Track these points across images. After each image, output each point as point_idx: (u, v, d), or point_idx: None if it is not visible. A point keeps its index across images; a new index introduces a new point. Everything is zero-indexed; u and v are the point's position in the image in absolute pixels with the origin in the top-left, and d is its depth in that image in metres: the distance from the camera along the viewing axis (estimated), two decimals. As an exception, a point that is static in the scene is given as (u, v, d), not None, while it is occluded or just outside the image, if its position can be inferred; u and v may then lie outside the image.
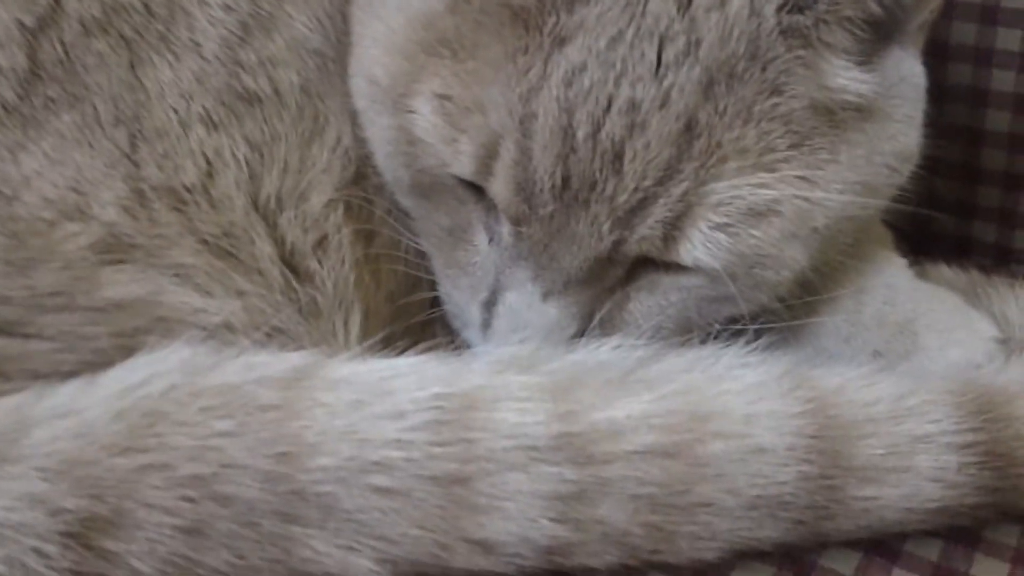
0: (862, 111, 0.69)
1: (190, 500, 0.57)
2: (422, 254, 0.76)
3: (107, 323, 0.64)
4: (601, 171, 0.65)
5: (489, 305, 0.71)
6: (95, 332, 0.63)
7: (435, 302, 0.76)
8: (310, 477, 0.58)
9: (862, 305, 0.79)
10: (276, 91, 0.71)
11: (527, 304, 0.69)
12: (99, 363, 0.62)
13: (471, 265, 0.72)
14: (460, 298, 0.73)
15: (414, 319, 0.75)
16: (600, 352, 0.66)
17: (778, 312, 0.73)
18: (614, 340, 0.67)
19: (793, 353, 0.69)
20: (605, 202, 0.66)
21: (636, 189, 0.66)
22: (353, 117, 0.73)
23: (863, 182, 0.70)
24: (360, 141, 0.73)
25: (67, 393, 0.60)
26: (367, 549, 0.59)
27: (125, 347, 0.63)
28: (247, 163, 0.69)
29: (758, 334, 0.70)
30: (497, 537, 0.60)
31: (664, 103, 0.65)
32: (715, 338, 0.70)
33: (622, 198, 0.66)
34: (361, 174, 0.74)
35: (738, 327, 0.71)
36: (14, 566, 0.56)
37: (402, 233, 0.75)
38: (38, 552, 0.56)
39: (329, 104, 0.73)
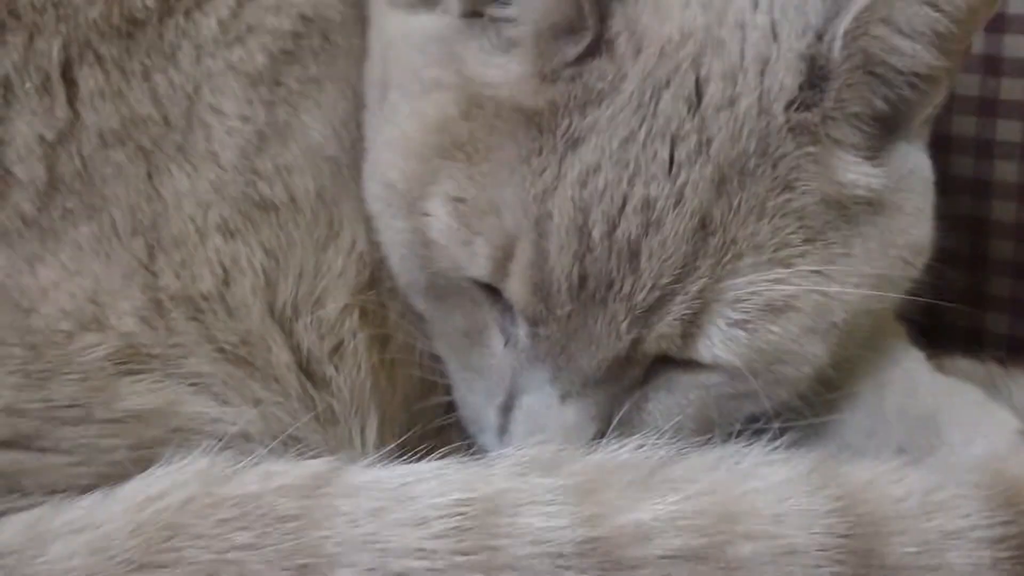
0: (873, 205, 0.70)
1: None
2: (437, 358, 0.75)
3: (125, 435, 0.63)
4: (618, 270, 0.65)
5: (506, 409, 0.70)
6: (112, 444, 0.63)
7: (451, 406, 0.76)
8: None
9: (883, 400, 0.78)
10: (292, 198, 0.71)
11: (545, 406, 0.68)
12: (116, 475, 0.61)
13: (487, 368, 0.72)
14: (476, 402, 0.73)
15: (430, 424, 0.74)
16: (622, 452, 0.65)
17: (799, 409, 0.72)
18: (636, 440, 0.66)
19: (818, 449, 0.68)
20: (623, 301, 0.66)
21: (653, 287, 0.66)
22: (367, 221, 0.74)
23: (878, 275, 0.70)
24: (374, 245, 0.74)
25: (84, 507, 0.59)
26: None
27: (142, 459, 0.62)
28: (263, 270, 0.69)
29: (781, 431, 0.69)
30: None
31: (678, 201, 0.65)
32: (737, 436, 0.69)
33: (640, 296, 0.66)
34: (375, 278, 0.74)
35: (760, 425, 0.71)
36: None
37: (417, 337, 0.75)
38: None
39: (344, 209, 0.73)
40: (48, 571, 0.56)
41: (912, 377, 0.80)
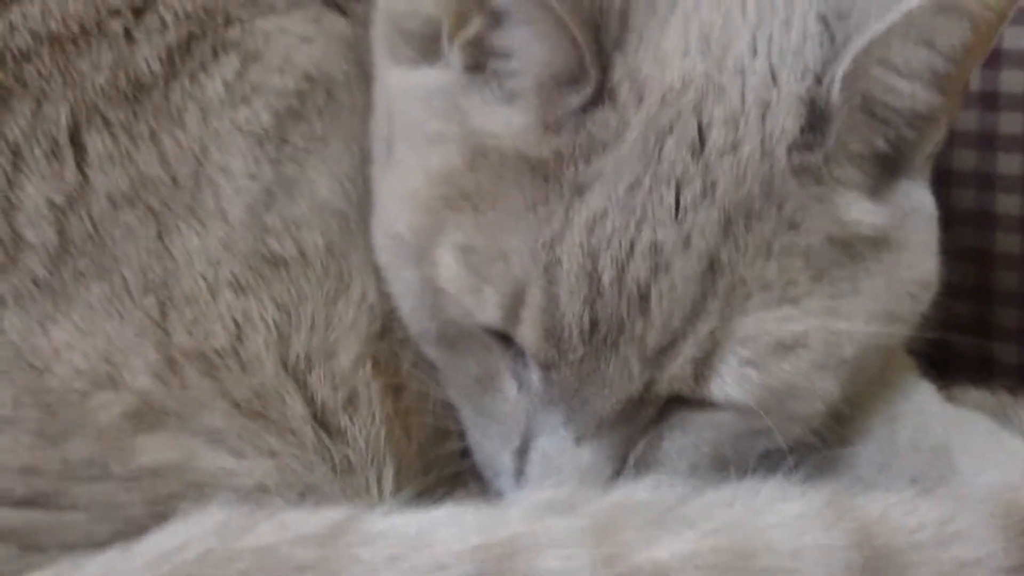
0: (878, 242, 0.70)
1: None
2: (450, 405, 0.76)
3: (141, 490, 0.63)
4: (628, 313, 0.66)
5: (521, 452, 0.71)
6: (129, 500, 0.63)
7: (466, 452, 0.76)
8: None
9: (895, 433, 0.78)
10: (301, 253, 0.72)
11: (560, 449, 0.69)
12: (133, 531, 0.61)
13: (501, 413, 0.72)
14: (490, 447, 0.73)
15: (446, 470, 0.74)
16: (638, 492, 0.65)
17: (812, 444, 0.72)
18: (651, 479, 0.66)
19: (833, 483, 0.68)
20: (634, 344, 0.66)
21: (664, 329, 0.66)
22: (376, 273, 0.74)
23: (886, 311, 0.70)
24: (384, 296, 0.74)
25: (103, 563, 0.59)
26: None
27: (159, 514, 0.63)
28: (275, 325, 0.70)
29: (795, 466, 0.69)
30: None
31: (686, 244, 0.66)
32: (752, 472, 0.68)
33: (651, 339, 0.66)
34: (386, 328, 0.74)
35: (774, 460, 0.70)
36: None
37: (430, 385, 0.75)
38: None
39: (352, 261, 0.74)
40: (70, 628, 0.56)
41: (923, 409, 0.80)
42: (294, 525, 0.60)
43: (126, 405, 0.65)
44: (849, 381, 0.71)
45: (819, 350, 0.68)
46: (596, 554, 0.60)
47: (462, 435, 0.76)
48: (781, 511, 0.64)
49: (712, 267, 0.66)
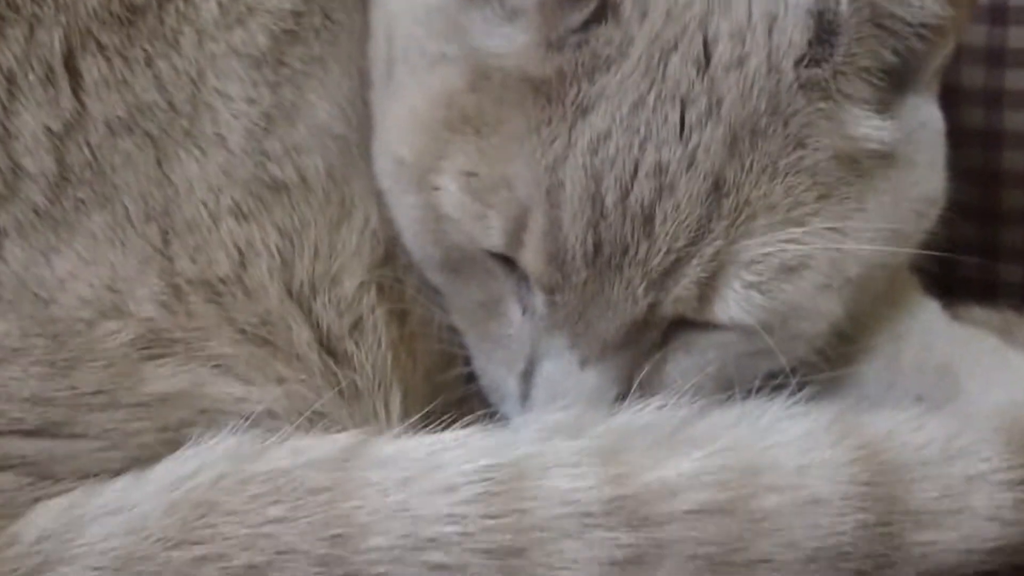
0: (886, 159, 0.70)
1: None
2: (454, 330, 0.76)
3: (152, 418, 0.63)
4: (633, 235, 0.66)
5: (526, 376, 0.71)
6: (140, 428, 0.63)
7: (471, 377, 0.76)
8: (365, 558, 0.57)
9: (900, 352, 0.78)
10: (303, 178, 0.71)
11: (565, 372, 0.69)
12: (146, 458, 0.62)
13: (505, 338, 0.72)
14: (496, 372, 0.73)
15: (452, 395, 0.74)
16: (644, 414, 0.66)
17: (817, 364, 0.72)
18: (657, 401, 0.66)
19: (838, 403, 0.68)
20: (638, 266, 0.66)
21: (668, 251, 0.66)
22: (379, 199, 0.74)
23: (892, 229, 0.70)
24: (387, 222, 0.74)
25: (117, 489, 0.60)
26: None
27: (171, 441, 0.63)
28: (278, 251, 0.69)
29: (800, 386, 0.69)
30: None
31: (691, 164, 0.65)
32: (756, 393, 0.69)
33: (655, 261, 0.66)
34: (390, 254, 0.74)
35: (778, 381, 0.71)
36: None
37: (434, 311, 0.75)
38: None
39: (354, 187, 0.73)
40: (87, 553, 0.57)
41: (928, 328, 0.80)
42: (306, 450, 0.61)
43: (132, 333, 0.64)
44: (854, 300, 0.71)
45: (824, 270, 0.68)
46: (604, 474, 0.61)
47: (467, 360, 0.76)
48: (786, 430, 0.65)
49: (717, 187, 0.66)
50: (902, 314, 0.80)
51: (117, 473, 0.61)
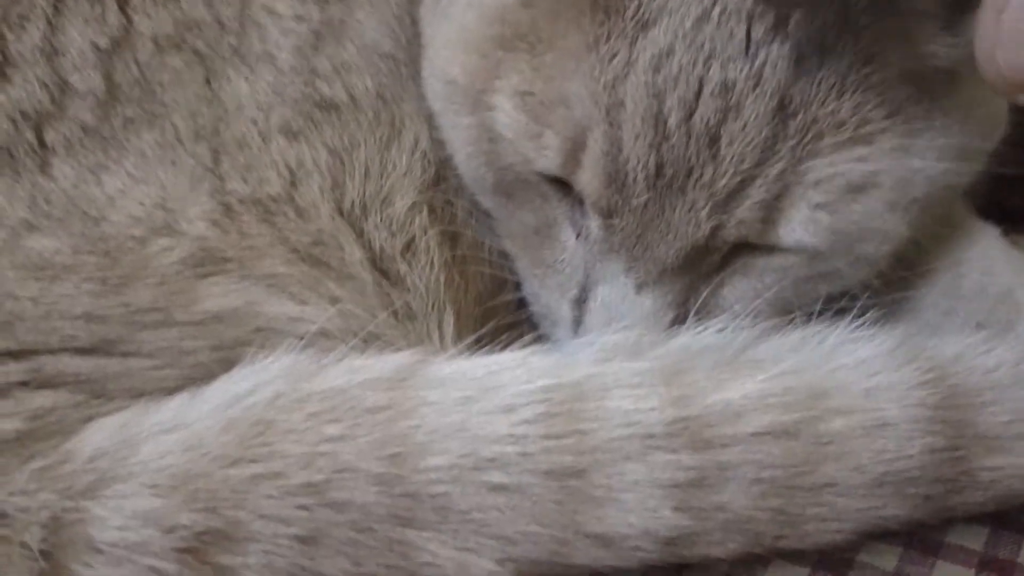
0: (952, 77, 0.67)
1: (305, 508, 0.56)
2: (505, 255, 0.74)
3: (206, 336, 0.63)
4: (697, 157, 0.64)
5: (579, 302, 0.69)
6: (195, 346, 0.62)
7: (522, 303, 0.75)
8: (424, 477, 0.57)
9: (961, 277, 0.76)
10: (352, 97, 0.70)
11: (621, 297, 0.67)
12: (200, 377, 0.61)
13: (558, 263, 0.71)
14: (549, 297, 0.72)
15: (503, 321, 0.73)
16: (704, 336, 0.64)
17: (876, 288, 0.71)
18: (718, 323, 0.65)
19: (901, 327, 0.66)
20: (702, 189, 0.64)
21: (734, 173, 0.64)
22: (429, 119, 0.72)
23: (958, 148, 0.68)
24: (438, 144, 0.72)
25: (173, 408, 0.59)
26: (486, 549, 0.57)
27: (225, 360, 0.62)
28: (329, 170, 0.68)
29: (860, 311, 0.67)
30: (616, 530, 0.58)
31: (757, 82, 0.63)
32: (817, 317, 0.68)
33: (720, 183, 0.64)
34: (441, 176, 0.72)
35: (839, 305, 0.69)
36: None
37: (485, 234, 0.74)
38: (155, 571, 0.55)
39: (404, 107, 0.72)
40: (142, 470, 0.56)
41: (989, 254, 0.78)
42: (363, 369, 0.60)
43: (185, 251, 0.64)
44: (918, 221, 0.69)
45: (890, 190, 0.66)
46: (666, 395, 0.60)
47: (518, 285, 0.75)
48: (851, 352, 0.64)
49: (783, 106, 0.63)
50: (962, 239, 0.77)
51: (171, 392, 0.61)
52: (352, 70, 0.70)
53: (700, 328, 0.65)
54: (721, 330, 0.65)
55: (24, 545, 0.54)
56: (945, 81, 0.67)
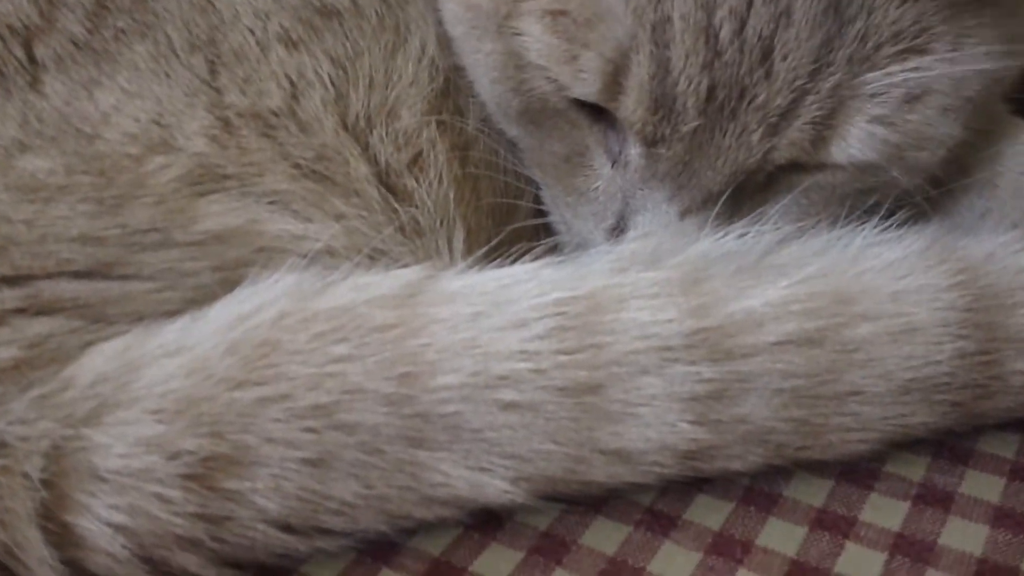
0: None
1: (313, 431, 0.54)
2: (519, 173, 0.72)
3: (207, 257, 0.61)
4: (751, 75, 0.60)
5: (617, 231, 0.67)
6: (195, 267, 0.61)
7: (539, 214, 0.72)
8: (434, 397, 0.55)
9: (997, 176, 0.74)
10: (354, 2, 0.67)
11: (664, 225, 0.65)
12: (202, 299, 0.59)
13: (592, 191, 0.68)
14: (582, 227, 0.69)
15: (517, 236, 0.70)
16: (725, 242, 0.62)
17: (927, 194, 0.68)
18: (739, 228, 0.62)
19: (932, 227, 0.64)
20: (756, 110, 0.61)
21: (789, 90, 0.61)
22: (436, 25, 0.69)
23: (1010, 45, 0.64)
24: (446, 50, 0.69)
25: (175, 331, 0.57)
26: (499, 468, 0.56)
27: (228, 280, 0.60)
28: (332, 81, 0.66)
29: (890, 214, 0.65)
30: (634, 445, 0.57)
31: None
32: (843, 221, 0.65)
33: (775, 103, 0.61)
34: (451, 86, 0.69)
35: (866, 206, 0.67)
36: (137, 515, 0.54)
37: (499, 149, 0.71)
38: (160, 498, 0.53)
39: (410, 11, 0.69)
40: (146, 394, 0.55)
41: (1025, 152, 0.75)
42: (369, 286, 0.58)
43: (182, 168, 0.61)
44: (971, 120, 0.66)
45: (946, 94, 0.63)
46: (684, 304, 0.58)
47: (536, 198, 0.72)
48: (879, 255, 0.62)
49: (837, 11, 0.60)
50: (999, 137, 0.74)
51: (173, 315, 0.59)
52: None
53: (720, 234, 0.62)
54: (742, 235, 0.62)
55: (26, 476, 0.53)
56: None
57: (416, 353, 0.55)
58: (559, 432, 0.56)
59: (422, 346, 0.56)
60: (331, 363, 0.55)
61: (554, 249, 0.70)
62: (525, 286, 0.58)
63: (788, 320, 0.57)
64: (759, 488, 0.61)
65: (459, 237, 0.67)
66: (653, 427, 0.57)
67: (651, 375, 0.56)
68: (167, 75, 0.63)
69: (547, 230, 0.72)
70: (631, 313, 0.57)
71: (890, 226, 0.63)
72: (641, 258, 0.60)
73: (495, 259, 0.63)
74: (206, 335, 0.57)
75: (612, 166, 0.67)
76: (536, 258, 0.61)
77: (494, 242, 0.65)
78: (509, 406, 0.55)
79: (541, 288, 0.58)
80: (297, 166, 0.63)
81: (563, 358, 0.56)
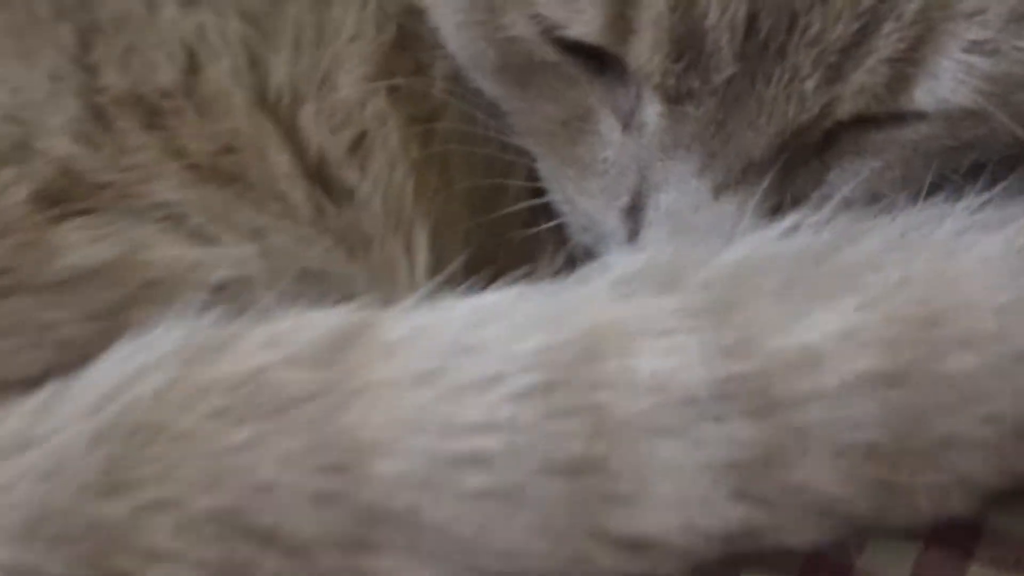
0: None
1: (216, 541, 0.43)
2: (507, 146, 0.60)
3: (72, 303, 0.49)
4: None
5: (633, 211, 0.56)
6: (57, 317, 0.49)
7: (536, 194, 0.60)
8: (378, 490, 0.43)
9: None
10: None
11: (692, 206, 0.54)
12: (71, 360, 0.47)
13: (599, 163, 0.57)
14: (590, 205, 0.58)
15: (502, 237, 0.59)
16: (768, 242, 0.49)
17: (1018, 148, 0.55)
18: (787, 221, 0.50)
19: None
20: (809, 47, 0.50)
21: (854, 15, 0.49)
22: None
23: None
24: None
25: (27, 413, 0.45)
26: (476, 572, 0.45)
27: (106, 331, 0.48)
28: (243, 44, 0.55)
29: (992, 183, 0.52)
30: (653, 531, 0.46)
31: None
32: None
33: (834, 34, 0.50)
34: (407, 37, 0.58)
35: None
36: None
37: (475, 110, 0.59)
38: None
39: None
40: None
41: None
42: (285, 338, 0.46)
43: (39, 181, 0.50)
44: None
45: None
46: (714, 341, 0.46)
47: (529, 173, 0.60)
48: (973, 246, 0.50)
49: None
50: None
51: (34, 384, 0.47)
52: None
53: (760, 233, 0.50)
54: (790, 230, 0.50)
55: None
56: None
57: (344, 433, 0.44)
58: (551, 522, 0.45)
59: (355, 423, 0.44)
60: (232, 452, 0.43)
61: (557, 235, 0.59)
62: (496, 327, 0.46)
63: (858, 356, 0.45)
64: (823, 558, 0.50)
65: (421, 244, 0.55)
66: (677, 507, 0.45)
67: (671, 439, 0.45)
68: (25, 53, 0.53)
69: (547, 213, 0.60)
70: (641, 358, 0.45)
71: (990, 200, 0.51)
72: (652, 278, 0.48)
73: (475, 272, 0.52)
74: (65, 419, 0.44)
75: (623, 130, 0.55)
76: (518, 279, 0.49)
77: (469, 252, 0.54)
78: (480, 495, 0.44)
79: (520, 328, 0.46)
80: (194, 165, 0.52)
81: (552, 426, 0.44)
